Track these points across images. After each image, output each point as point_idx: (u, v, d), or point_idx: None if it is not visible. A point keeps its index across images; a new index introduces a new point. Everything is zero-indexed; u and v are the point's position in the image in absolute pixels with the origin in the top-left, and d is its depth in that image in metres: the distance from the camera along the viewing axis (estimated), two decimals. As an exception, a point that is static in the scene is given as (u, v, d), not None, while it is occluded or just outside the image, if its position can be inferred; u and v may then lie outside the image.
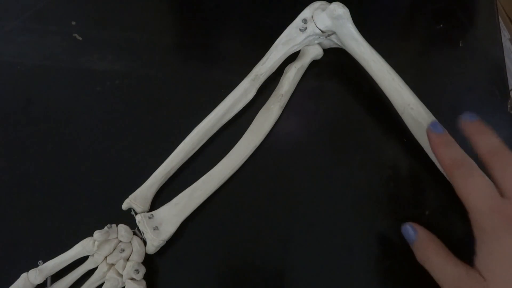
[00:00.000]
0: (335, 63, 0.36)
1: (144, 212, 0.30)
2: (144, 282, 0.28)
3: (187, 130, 0.32)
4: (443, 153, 0.27)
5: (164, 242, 0.29)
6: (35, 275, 0.27)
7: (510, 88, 0.38)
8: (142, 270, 0.28)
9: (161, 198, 0.31)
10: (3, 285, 0.28)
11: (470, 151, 0.27)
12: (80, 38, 0.37)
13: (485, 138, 0.26)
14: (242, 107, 0.33)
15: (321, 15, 0.33)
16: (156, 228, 0.29)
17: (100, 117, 0.34)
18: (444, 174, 0.29)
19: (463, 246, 0.27)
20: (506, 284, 0.23)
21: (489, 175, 0.26)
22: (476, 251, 0.24)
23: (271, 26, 0.38)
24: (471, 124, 0.27)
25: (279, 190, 0.32)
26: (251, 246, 0.31)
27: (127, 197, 0.30)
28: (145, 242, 0.29)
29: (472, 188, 0.25)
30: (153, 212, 0.30)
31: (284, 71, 0.35)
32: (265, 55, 0.34)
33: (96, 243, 0.28)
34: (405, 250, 0.31)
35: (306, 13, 0.34)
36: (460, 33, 0.38)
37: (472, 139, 0.27)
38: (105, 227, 0.29)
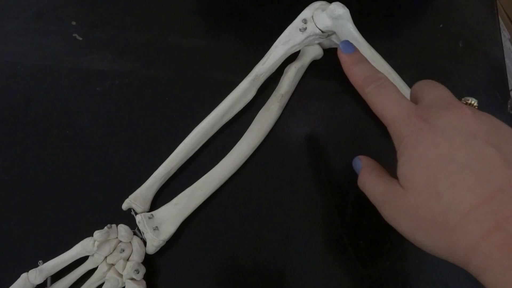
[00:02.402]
0: (335, 63, 0.36)
1: (144, 212, 0.30)
2: (144, 282, 0.28)
3: (187, 130, 0.32)
4: (355, 72, 0.26)
5: (164, 242, 0.29)
6: (35, 275, 0.27)
7: (510, 88, 0.38)
8: (142, 270, 0.28)
9: (161, 198, 0.31)
10: (3, 285, 0.28)
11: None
12: (80, 38, 0.37)
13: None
14: (242, 107, 0.33)
15: (321, 15, 0.33)
16: (156, 228, 0.29)
17: (100, 117, 0.34)
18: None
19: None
20: (423, 188, 0.21)
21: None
22: (397, 164, 0.23)
23: (271, 26, 0.38)
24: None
25: (279, 190, 0.32)
26: (251, 246, 0.31)
27: (127, 197, 0.30)
28: (145, 242, 0.29)
29: (387, 100, 0.24)
30: (153, 212, 0.30)
31: (284, 71, 0.35)
32: (265, 55, 0.34)
33: (96, 243, 0.28)
34: (406, 250, 0.31)
35: (306, 13, 0.34)
36: (460, 33, 0.38)
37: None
38: (105, 227, 0.29)
